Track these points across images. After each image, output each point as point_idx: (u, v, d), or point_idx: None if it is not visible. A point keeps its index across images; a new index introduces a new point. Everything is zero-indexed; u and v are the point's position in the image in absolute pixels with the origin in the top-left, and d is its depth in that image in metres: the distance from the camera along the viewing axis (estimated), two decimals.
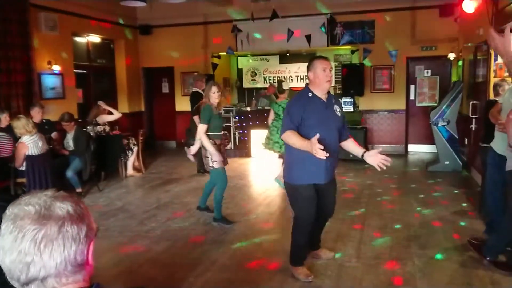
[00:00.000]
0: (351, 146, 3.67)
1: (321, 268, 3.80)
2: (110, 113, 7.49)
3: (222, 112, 5.13)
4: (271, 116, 6.56)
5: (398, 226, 4.86)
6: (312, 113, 3.35)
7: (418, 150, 9.77)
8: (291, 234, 3.64)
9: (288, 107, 3.46)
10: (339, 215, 5.25)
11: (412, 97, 9.71)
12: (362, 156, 3.50)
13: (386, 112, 9.76)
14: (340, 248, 4.22)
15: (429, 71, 9.56)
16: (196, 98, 7.08)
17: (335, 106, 3.53)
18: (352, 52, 10.33)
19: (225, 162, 5.06)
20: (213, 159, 4.85)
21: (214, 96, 4.85)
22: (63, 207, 0.99)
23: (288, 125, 3.33)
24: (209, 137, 4.83)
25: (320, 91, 3.42)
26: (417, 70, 9.65)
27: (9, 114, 6.28)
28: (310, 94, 3.43)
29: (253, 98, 11.13)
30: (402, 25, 9.30)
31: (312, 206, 3.45)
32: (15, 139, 5.41)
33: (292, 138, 3.27)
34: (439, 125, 7.63)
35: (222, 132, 5.08)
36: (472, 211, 5.32)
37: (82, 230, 0.99)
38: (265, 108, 10.18)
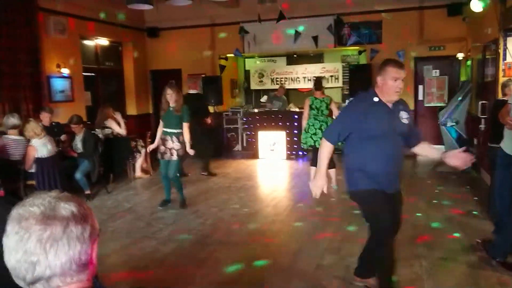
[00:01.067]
0: (425, 150, 3.28)
1: (326, 269, 3.79)
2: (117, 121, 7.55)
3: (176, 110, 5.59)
4: (307, 112, 6.46)
5: (404, 227, 4.81)
6: (374, 122, 2.92)
7: None
8: (368, 254, 3.20)
9: (343, 111, 3.09)
10: (344, 217, 5.25)
11: (420, 97, 9.65)
12: (441, 158, 3.07)
13: None
14: (346, 248, 4.21)
15: (438, 71, 9.49)
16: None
17: (402, 112, 3.07)
18: (360, 52, 10.29)
19: (167, 155, 5.63)
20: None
21: (168, 96, 5.56)
22: (67, 208, 1.00)
23: (333, 136, 3.03)
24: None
25: (386, 99, 3.00)
26: (425, 70, 9.58)
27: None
28: (376, 99, 2.99)
29: (265, 101, 11.11)
30: (410, 25, 9.24)
31: (389, 211, 3.05)
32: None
33: (323, 154, 3.04)
34: (447, 125, 7.58)
35: (172, 130, 5.60)
36: (480, 212, 5.28)
37: (86, 230, 1.01)
38: (273, 109, 10.20)
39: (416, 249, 4.18)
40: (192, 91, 7.88)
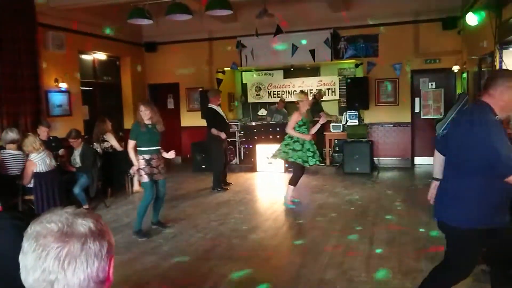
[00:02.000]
0: None
1: (330, 283, 3.76)
2: (115, 134, 7.56)
3: (159, 127, 5.36)
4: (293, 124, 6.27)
5: (406, 240, 4.81)
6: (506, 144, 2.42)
7: (425, 162, 9.71)
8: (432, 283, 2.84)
9: (491, 129, 2.43)
10: (346, 230, 5.23)
11: (417, 109, 9.72)
12: None
13: (391, 125, 9.76)
14: (348, 262, 4.19)
15: (434, 83, 9.58)
16: (211, 114, 7.73)
17: None
18: (356, 65, 10.38)
19: (156, 176, 5.27)
20: (136, 172, 5.25)
21: (142, 114, 5.23)
22: (85, 224, 0.99)
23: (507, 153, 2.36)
24: (140, 152, 5.19)
25: (501, 115, 2.55)
26: (421, 82, 9.67)
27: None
28: (496, 117, 2.50)
29: (266, 114, 11.16)
30: (405, 38, 9.36)
31: (477, 257, 2.76)
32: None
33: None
34: None
35: (156, 148, 5.30)
36: None
37: (103, 247, 1.00)
38: (270, 122, 10.23)
39: (419, 262, 4.16)
40: (211, 105, 7.83)
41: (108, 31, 9.36)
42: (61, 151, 6.67)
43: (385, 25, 9.42)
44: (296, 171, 6.38)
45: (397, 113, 9.68)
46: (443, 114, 9.06)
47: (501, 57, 5.98)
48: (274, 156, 6.59)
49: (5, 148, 5.32)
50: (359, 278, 3.85)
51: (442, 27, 8.93)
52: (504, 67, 5.92)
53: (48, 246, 0.94)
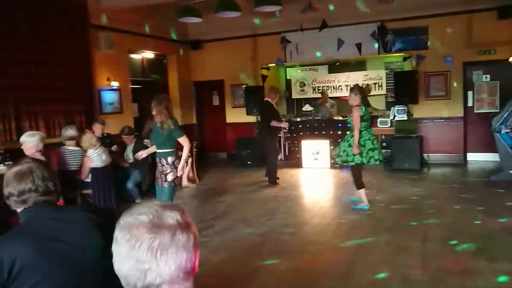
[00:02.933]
0: None
1: (384, 280, 3.69)
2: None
3: (165, 127, 4.73)
4: (358, 122, 5.68)
5: (462, 237, 4.64)
6: None
7: (478, 158, 9.32)
8: None
9: None
10: (399, 227, 5.11)
11: (470, 103, 9.31)
12: None
13: (442, 120, 9.41)
14: (402, 260, 4.09)
15: (488, 76, 9.14)
16: (269, 106, 7.79)
17: None
18: (405, 59, 10.08)
19: (157, 181, 4.96)
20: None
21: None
22: (173, 216, 1.03)
23: None
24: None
25: None
26: (474, 75, 9.25)
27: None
28: None
29: (312, 110, 11.10)
30: (457, 29, 8.98)
31: None
32: None
33: None
34: (502, 132, 7.26)
35: (161, 151, 4.85)
36: None
37: (190, 238, 1.03)
38: (316, 118, 10.14)
39: (476, 261, 4.00)
40: (268, 99, 7.95)
41: (148, 30, 9.58)
42: (114, 147, 6.93)
43: (435, 16, 9.08)
44: (354, 172, 5.90)
45: (449, 107, 9.32)
46: (498, 108, 8.63)
47: None
48: (339, 158, 6.06)
49: (64, 145, 5.58)
50: (415, 276, 3.75)
51: (498, 16, 8.50)
52: None
53: (141, 237, 0.98)
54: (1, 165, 5.14)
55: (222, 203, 6.73)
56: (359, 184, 5.87)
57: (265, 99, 7.99)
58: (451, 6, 8.86)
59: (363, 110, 5.72)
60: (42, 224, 1.68)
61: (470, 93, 9.29)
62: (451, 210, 5.75)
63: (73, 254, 1.64)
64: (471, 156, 9.40)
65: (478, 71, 9.19)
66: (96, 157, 5.45)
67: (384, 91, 11.31)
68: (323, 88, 11.88)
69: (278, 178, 8.03)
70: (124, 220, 1.02)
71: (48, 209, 1.75)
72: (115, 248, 1.02)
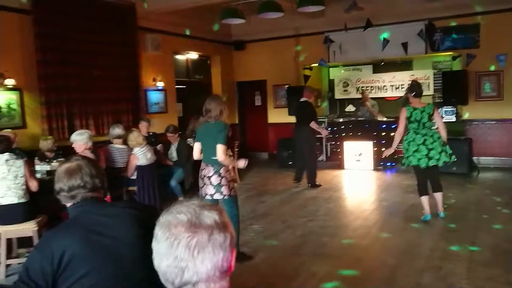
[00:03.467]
0: None
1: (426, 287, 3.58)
2: None
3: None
4: (403, 126, 5.39)
5: (510, 246, 4.41)
6: None
7: None
8: None
9: None
10: (443, 233, 4.94)
11: None
12: None
13: (494, 122, 8.97)
14: (447, 268, 3.95)
15: None
16: (308, 107, 7.63)
17: None
18: (454, 58, 9.71)
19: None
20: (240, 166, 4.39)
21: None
22: (210, 216, 1.05)
23: None
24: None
25: None
26: None
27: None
28: None
29: (355, 111, 10.92)
30: (511, 27, 8.52)
31: None
32: None
33: None
34: None
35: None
36: None
37: (227, 238, 1.05)
38: (359, 119, 9.96)
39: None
40: (305, 99, 7.75)
41: (192, 32, 9.76)
42: (159, 146, 7.11)
43: (487, 14, 8.67)
44: (417, 176, 5.48)
45: (501, 109, 8.87)
46: None
47: None
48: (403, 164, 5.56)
49: (112, 143, 5.80)
50: (460, 285, 3.61)
51: None
52: None
53: (180, 235, 1.01)
54: (54, 161, 5.41)
55: (263, 203, 6.75)
56: (420, 191, 5.41)
57: (303, 99, 7.72)
58: (505, 2, 8.42)
59: (409, 111, 5.34)
60: (89, 219, 1.76)
61: None
62: (501, 217, 5.48)
63: (118, 248, 1.71)
64: None
65: None
66: (141, 155, 5.63)
67: (431, 92, 10.93)
68: (364, 88, 11.64)
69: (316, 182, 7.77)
70: (164, 218, 1.06)
71: (95, 205, 1.83)
72: (155, 245, 1.06)
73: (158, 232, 1.05)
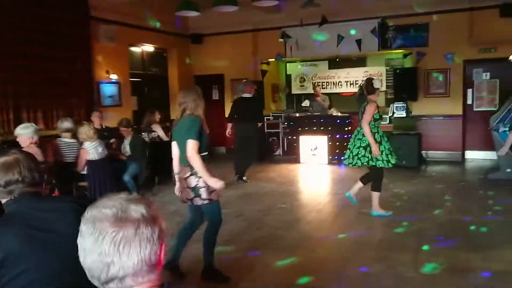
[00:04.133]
0: None
1: (375, 277, 3.71)
2: (162, 124, 7.78)
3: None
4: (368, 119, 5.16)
5: (456, 236, 4.64)
6: None
7: (477, 157, 9.31)
8: None
9: None
10: (392, 224, 5.12)
11: (469, 101, 9.29)
12: None
13: (441, 118, 9.39)
14: (395, 257, 4.10)
15: (488, 74, 9.12)
16: (257, 102, 7.83)
17: None
18: (405, 56, 10.06)
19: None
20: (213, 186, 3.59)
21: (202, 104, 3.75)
22: (137, 210, 1.04)
23: None
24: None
25: None
26: (475, 73, 9.22)
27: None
28: None
29: (308, 105, 11.08)
30: (459, 27, 8.93)
31: None
32: None
33: None
34: (499, 131, 7.25)
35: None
36: None
37: (155, 232, 1.04)
38: (314, 114, 10.12)
39: (470, 261, 4.01)
40: (246, 95, 7.76)
41: (156, 24, 9.57)
42: (112, 140, 6.93)
43: (436, 13, 9.03)
44: (376, 174, 5.38)
45: (448, 105, 9.30)
46: (498, 106, 8.61)
47: None
48: (350, 163, 5.41)
49: (60, 137, 5.59)
50: (407, 274, 3.76)
51: (500, 14, 8.45)
52: None
53: (104, 230, 0.99)
54: None
55: (220, 197, 6.71)
56: (377, 187, 5.39)
57: (249, 94, 7.65)
58: (453, 3, 8.82)
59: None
60: (26, 214, 1.68)
61: (469, 91, 9.26)
62: (446, 208, 5.75)
63: (60, 243, 1.65)
64: (470, 154, 9.40)
65: (478, 69, 9.16)
66: (92, 150, 5.45)
67: (384, 88, 11.29)
68: (316, 83, 11.82)
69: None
70: (89, 213, 1.04)
71: (33, 200, 1.75)
72: (80, 241, 1.03)
73: (83, 227, 1.03)
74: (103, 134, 6.77)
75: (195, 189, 3.60)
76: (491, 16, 8.57)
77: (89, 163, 5.49)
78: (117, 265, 0.99)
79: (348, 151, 5.43)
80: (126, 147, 6.66)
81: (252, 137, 7.73)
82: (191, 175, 3.60)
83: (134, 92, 9.66)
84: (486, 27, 8.72)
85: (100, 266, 1.00)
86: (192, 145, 3.48)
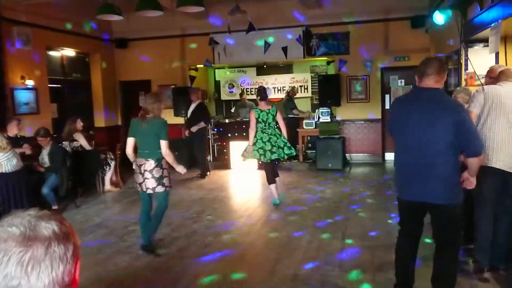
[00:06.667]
0: None
1: (304, 278, 3.81)
2: (85, 132, 7.44)
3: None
4: (254, 123, 6.13)
5: (377, 234, 4.92)
6: None
7: None
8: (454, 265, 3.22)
9: None
10: (319, 225, 5.30)
11: (387, 106, 9.90)
12: None
13: (362, 122, 9.93)
14: (322, 258, 4.24)
15: (403, 80, 9.80)
16: (203, 109, 8.61)
17: None
18: (328, 63, 10.51)
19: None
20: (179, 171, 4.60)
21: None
22: (48, 227, 0.96)
23: None
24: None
25: None
26: (391, 80, 9.87)
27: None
28: None
29: (236, 111, 11.17)
30: (376, 36, 9.52)
31: None
32: None
33: None
34: None
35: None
36: None
37: (69, 250, 0.97)
38: (244, 119, 10.21)
39: (391, 256, 4.25)
40: (197, 102, 8.56)
41: (69, 26, 9.13)
42: (24, 146, 6.42)
43: (356, 23, 9.56)
44: (265, 169, 6.39)
45: (368, 110, 9.86)
46: None
47: (466, 55, 6.18)
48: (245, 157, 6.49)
49: None
50: (333, 272, 3.91)
51: (411, 25, 9.14)
52: (469, 65, 6.12)
53: (10, 250, 0.91)
54: None
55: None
56: (268, 180, 6.31)
57: (197, 101, 8.52)
58: (371, 14, 9.38)
59: (257, 113, 6.12)
60: None
61: (387, 97, 9.89)
62: (368, 207, 6.07)
63: None
64: (389, 156, 10.00)
65: (394, 76, 9.82)
66: (5, 161, 5.06)
67: (309, 94, 11.70)
68: (252, 90, 12.01)
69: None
70: None
71: None
72: None
73: None
74: (19, 144, 6.31)
75: (159, 178, 4.37)
76: (404, 27, 9.24)
77: (2, 176, 5.09)
78: None
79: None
80: (45, 158, 6.25)
81: (201, 141, 8.69)
82: (156, 166, 4.35)
83: (54, 98, 9.11)
84: (399, 37, 9.38)
85: None
86: (166, 144, 4.33)
